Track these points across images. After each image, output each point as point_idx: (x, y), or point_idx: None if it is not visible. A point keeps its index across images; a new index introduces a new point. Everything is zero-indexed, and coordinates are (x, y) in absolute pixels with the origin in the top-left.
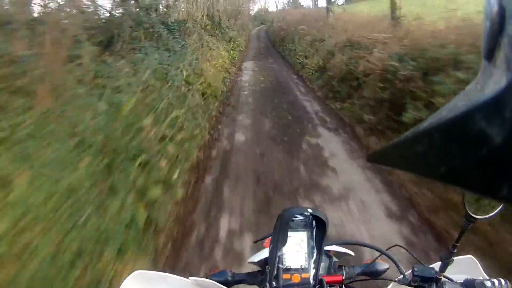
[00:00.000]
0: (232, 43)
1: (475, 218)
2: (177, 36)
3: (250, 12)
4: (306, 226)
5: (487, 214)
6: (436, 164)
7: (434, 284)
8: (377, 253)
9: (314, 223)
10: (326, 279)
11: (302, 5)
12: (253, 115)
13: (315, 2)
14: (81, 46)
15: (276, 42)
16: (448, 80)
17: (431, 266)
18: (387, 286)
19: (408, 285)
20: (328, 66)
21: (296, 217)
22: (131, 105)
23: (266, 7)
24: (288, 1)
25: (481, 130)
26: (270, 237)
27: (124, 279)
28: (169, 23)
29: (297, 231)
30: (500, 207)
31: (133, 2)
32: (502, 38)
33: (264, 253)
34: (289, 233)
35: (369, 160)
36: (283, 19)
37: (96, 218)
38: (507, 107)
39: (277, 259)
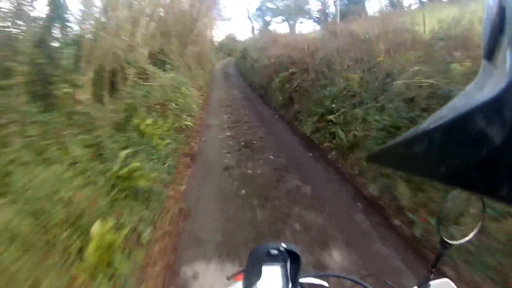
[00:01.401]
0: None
1: (450, 243)
2: None
3: (214, 39)
4: (279, 260)
5: (462, 238)
6: (436, 164)
7: None
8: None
9: (287, 257)
10: None
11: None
12: None
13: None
14: None
15: (269, 91)
16: None
17: None
18: None
19: None
20: None
21: (270, 251)
22: None
23: (233, 34)
24: (260, 28)
25: (481, 130)
26: (243, 272)
27: None
28: None
29: (271, 265)
30: (475, 231)
31: None
32: (502, 38)
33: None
34: (263, 267)
35: (369, 160)
36: (264, 47)
37: None
38: (507, 107)
39: None
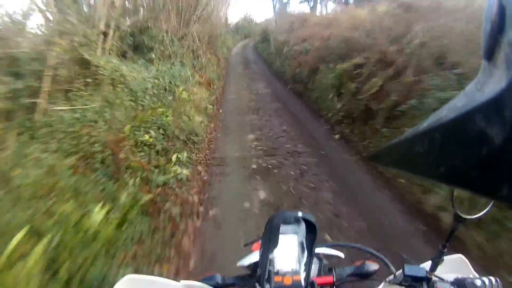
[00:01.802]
0: None
1: (464, 218)
2: None
3: (228, 20)
4: (296, 229)
5: (477, 213)
6: (436, 164)
7: (425, 283)
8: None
9: (304, 226)
10: (317, 281)
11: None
12: None
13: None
14: None
15: (313, 88)
16: None
17: (421, 265)
18: (378, 287)
19: (399, 285)
20: None
21: (287, 220)
22: None
23: (249, 16)
24: (279, 9)
25: (481, 130)
26: (259, 240)
27: (116, 282)
28: None
29: (287, 234)
30: (490, 206)
31: None
32: (502, 38)
33: (254, 257)
34: (280, 236)
35: (370, 160)
36: (291, 29)
37: None
38: (507, 107)
39: (268, 262)
